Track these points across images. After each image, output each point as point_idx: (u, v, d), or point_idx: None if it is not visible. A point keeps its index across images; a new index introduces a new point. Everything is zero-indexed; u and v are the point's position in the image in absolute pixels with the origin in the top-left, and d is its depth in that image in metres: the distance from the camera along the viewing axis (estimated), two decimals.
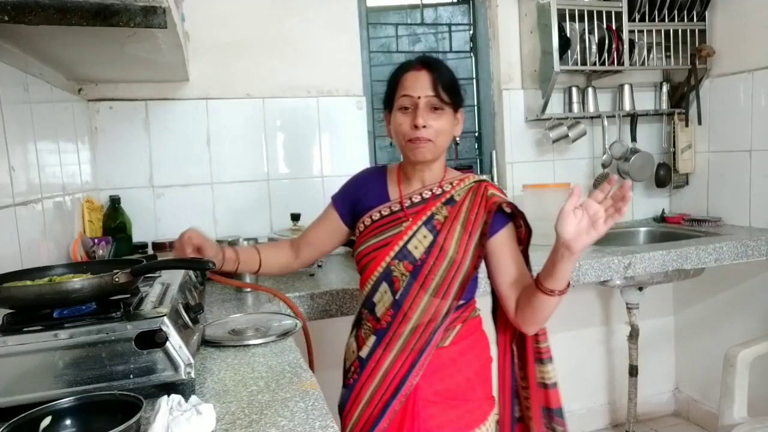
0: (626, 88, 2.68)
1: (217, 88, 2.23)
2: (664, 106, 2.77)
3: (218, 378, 1.04)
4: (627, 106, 2.69)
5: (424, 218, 1.31)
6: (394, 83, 1.33)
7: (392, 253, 1.31)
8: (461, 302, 1.31)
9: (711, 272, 2.43)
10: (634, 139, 2.70)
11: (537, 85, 2.55)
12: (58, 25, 0.98)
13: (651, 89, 2.82)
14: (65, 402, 0.82)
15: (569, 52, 2.45)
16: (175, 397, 0.85)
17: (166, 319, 0.95)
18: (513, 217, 1.32)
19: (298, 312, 1.61)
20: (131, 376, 0.92)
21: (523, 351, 1.39)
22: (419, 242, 1.30)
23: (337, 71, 2.37)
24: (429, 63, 1.30)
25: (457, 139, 1.38)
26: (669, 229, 2.68)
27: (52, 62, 1.58)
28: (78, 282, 0.97)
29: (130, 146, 2.15)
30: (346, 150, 2.40)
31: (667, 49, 2.62)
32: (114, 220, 2.01)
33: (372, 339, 1.33)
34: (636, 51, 2.56)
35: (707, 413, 2.74)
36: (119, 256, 1.89)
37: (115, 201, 2.03)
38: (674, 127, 2.72)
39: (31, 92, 1.42)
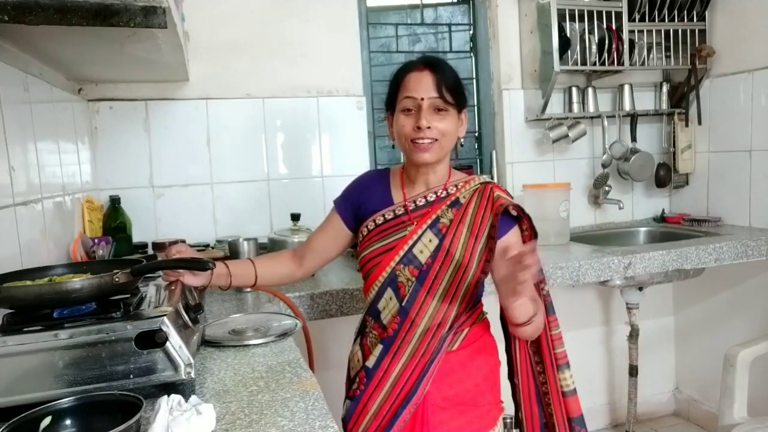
0: (626, 88, 2.68)
1: (217, 88, 2.23)
2: (664, 106, 2.77)
3: (218, 378, 1.04)
4: (627, 106, 2.69)
5: (429, 222, 1.29)
6: (396, 84, 1.31)
7: (397, 258, 1.28)
8: (469, 306, 1.30)
9: (711, 272, 2.43)
10: (634, 139, 2.70)
11: (537, 85, 2.55)
12: (58, 25, 0.98)
13: (651, 89, 2.82)
14: (65, 402, 0.82)
15: (569, 52, 2.45)
16: (175, 397, 0.85)
17: (166, 319, 0.95)
18: (519, 220, 1.30)
19: (298, 312, 1.61)
20: (131, 376, 0.92)
21: (541, 356, 1.36)
22: (425, 246, 1.28)
23: (337, 71, 2.37)
24: (432, 63, 1.28)
25: (461, 140, 1.35)
26: (669, 229, 2.68)
27: (52, 62, 1.58)
28: (78, 282, 0.97)
29: (130, 146, 2.15)
30: (346, 150, 2.40)
31: (667, 49, 2.62)
32: (114, 220, 2.01)
33: (379, 348, 1.29)
34: (636, 51, 2.56)
35: (707, 413, 2.74)
36: (119, 256, 1.89)
37: (115, 201, 2.03)
38: (674, 127, 2.72)
39: (31, 92, 1.42)
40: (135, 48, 1.41)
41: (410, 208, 1.33)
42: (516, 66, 2.60)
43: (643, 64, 2.59)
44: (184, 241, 1.95)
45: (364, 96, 2.44)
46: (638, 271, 2.06)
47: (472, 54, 2.80)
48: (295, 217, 2.10)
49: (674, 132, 2.72)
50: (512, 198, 1.33)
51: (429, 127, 1.24)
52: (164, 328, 0.94)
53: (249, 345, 1.21)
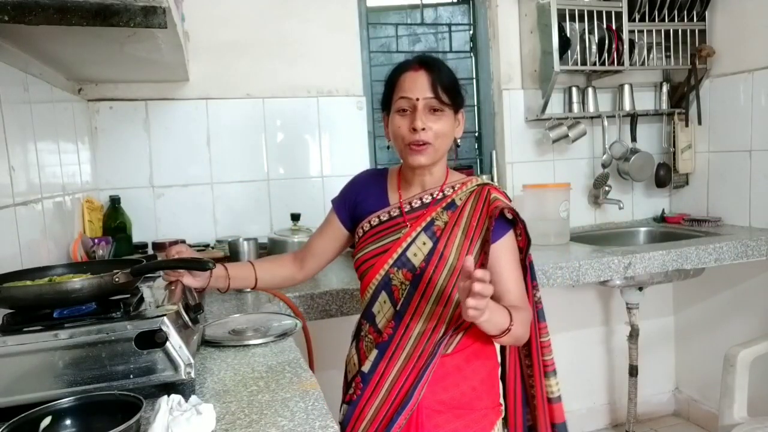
0: (626, 88, 2.68)
1: (217, 88, 2.23)
2: (664, 106, 2.77)
3: (218, 378, 1.04)
4: (627, 106, 2.69)
5: (423, 224, 1.27)
6: (391, 84, 1.27)
7: (391, 261, 1.27)
8: None
9: (711, 272, 2.43)
10: (634, 139, 2.70)
11: (537, 85, 2.55)
12: (58, 25, 0.98)
13: (651, 89, 2.82)
14: (65, 402, 0.82)
15: (569, 52, 2.45)
16: (175, 397, 0.85)
17: (166, 319, 0.95)
18: (515, 223, 1.27)
19: (298, 312, 1.61)
20: (131, 376, 0.92)
21: (531, 361, 1.35)
22: (419, 249, 1.26)
23: (337, 71, 2.37)
24: (427, 63, 1.24)
25: (458, 140, 1.32)
26: (669, 229, 2.68)
27: (52, 62, 1.58)
28: (78, 282, 0.97)
29: (130, 146, 2.15)
30: (346, 150, 2.40)
31: (667, 49, 2.62)
32: (114, 220, 2.01)
33: (374, 353, 1.28)
34: (636, 51, 2.56)
35: (707, 413, 2.74)
36: (119, 256, 1.89)
37: (115, 201, 2.03)
38: (674, 127, 2.72)
39: (31, 92, 1.42)
40: (135, 48, 1.41)
41: (405, 209, 1.31)
42: (516, 66, 2.60)
43: (643, 64, 2.59)
44: (184, 241, 1.95)
45: (364, 96, 2.44)
46: (638, 271, 2.06)
47: (472, 54, 2.80)
48: (295, 217, 2.11)
49: (674, 132, 2.72)
50: (510, 200, 1.30)
51: (424, 129, 1.22)
52: (164, 328, 0.94)
53: (249, 345, 1.21)
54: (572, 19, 2.42)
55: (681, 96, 2.73)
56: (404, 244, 1.27)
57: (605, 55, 2.45)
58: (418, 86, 1.22)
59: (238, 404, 0.92)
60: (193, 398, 0.88)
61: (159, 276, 1.27)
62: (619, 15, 2.47)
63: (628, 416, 2.61)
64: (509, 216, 1.25)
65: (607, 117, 2.64)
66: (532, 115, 2.58)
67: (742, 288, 2.56)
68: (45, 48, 1.36)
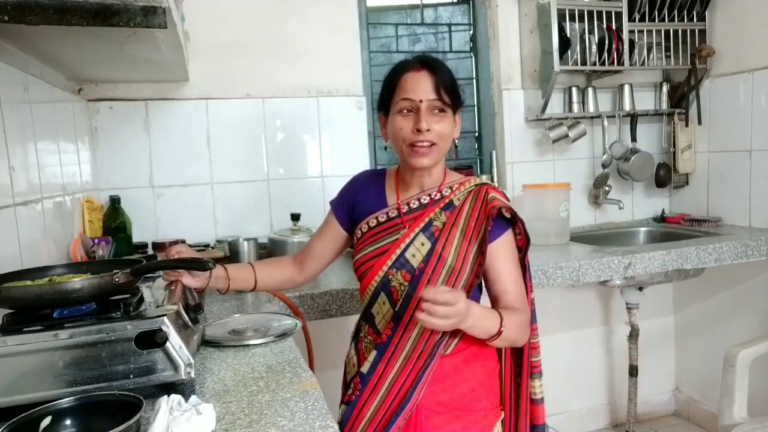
0: (626, 88, 2.68)
1: (217, 88, 2.23)
2: (664, 106, 2.77)
3: (218, 378, 1.04)
4: (627, 106, 2.69)
5: (421, 225, 1.27)
6: (392, 85, 1.26)
7: (389, 262, 1.26)
8: None
9: (711, 272, 2.43)
10: (634, 139, 2.70)
11: (537, 85, 2.55)
12: (58, 25, 0.98)
13: (651, 89, 2.82)
14: (65, 402, 0.82)
15: (569, 52, 2.45)
16: (175, 397, 0.85)
17: (166, 319, 0.95)
18: (513, 223, 1.27)
19: (298, 312, 1.61)
20: (131, 376, 0.92)
21: (521, 361, 1.35)
22: (417, 250, 1.26)
23: (337, 71, 2.37)
24: (429, 63, 1.23)
25: (456, 141, 1.32)
26: (669, 229, 2.68)
27: (52, 62, 1.58)
28: (78, 282, 0.97)
29: (130, 146, 2.15)
30: (346, 150, 2.40)
31: (667, 49, 2.62)
32: (114, 220, 2.01)
33: (373, 354, 1.28)
34: (636, 51, 2.56)
35: (707, 413, 2.74)
36: (119, 256, 1.89)
37: (115, 201, 2.03)
38: (674, 127, 2.72)
39: (31, 92, 1.42)
40: (135, 48, 1.41)
41: (403, 210, 1.30)
42: (516, 66, 2.60)
43: (643, 64, 2.59)
44: (184, 241, 1.95)
45: (364, 96, 2.44)
46: (638, 271, 2.06)
47: (472, 54, 2.80)
48: (295, 217, 2.11)
49: (674, 132, 2.72)
50: (508, 200, 1.30)
51: (428, 130, 1.21)
52: (164, 328, 0.94)
53: (249, 345, 1.21)
54: (572, 19, 2.42)
55: (681, 96, 2.73)
56: (403, 245, 1.27)
57: (605, 55, 2.45)
58: (421, 87, 1.21)
59: (238, 404, 0.92)
60: (193, 398, 0.88)
61: (159, 276, 1.27)
62: (619, 15, 2.47)
63: (628, 416, 2.61)
64: (507, 215, 1.25)
65: (607, 117, 2.64)
66: (532, 115, 2.58)
67: (742, 288, 2.56)
68: (45, 48, 1.36)
